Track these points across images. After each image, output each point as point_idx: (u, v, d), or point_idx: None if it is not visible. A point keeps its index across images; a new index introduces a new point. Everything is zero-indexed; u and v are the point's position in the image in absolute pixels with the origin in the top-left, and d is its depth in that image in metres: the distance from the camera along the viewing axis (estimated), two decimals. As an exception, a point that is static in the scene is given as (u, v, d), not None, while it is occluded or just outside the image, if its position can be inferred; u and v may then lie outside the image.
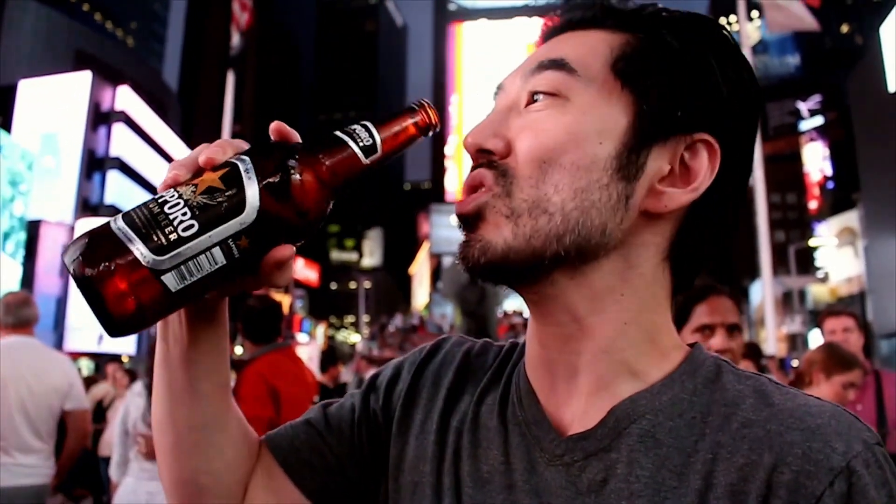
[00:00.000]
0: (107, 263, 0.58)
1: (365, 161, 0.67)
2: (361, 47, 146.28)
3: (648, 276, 0.71)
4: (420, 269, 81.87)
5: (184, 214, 0.60)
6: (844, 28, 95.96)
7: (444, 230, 71.56)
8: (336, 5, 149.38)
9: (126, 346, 35.28)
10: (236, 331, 3.74)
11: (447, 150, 78.09)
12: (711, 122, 0.69)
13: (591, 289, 0.69)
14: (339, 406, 0.87)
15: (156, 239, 0.59)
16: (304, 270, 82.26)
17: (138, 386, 3.29)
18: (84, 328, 33.34)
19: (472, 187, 0.71)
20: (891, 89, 39.74)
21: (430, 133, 0.72)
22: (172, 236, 0.59)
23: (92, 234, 0.60)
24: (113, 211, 37.69)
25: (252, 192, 0.61)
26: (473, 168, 0.72)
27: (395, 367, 0.88)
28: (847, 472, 0.57)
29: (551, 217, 0.66)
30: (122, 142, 39.21)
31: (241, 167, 0.62)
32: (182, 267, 0.59)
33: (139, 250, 0.59)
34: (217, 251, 0.60)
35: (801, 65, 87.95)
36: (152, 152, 43.39)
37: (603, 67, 0.69)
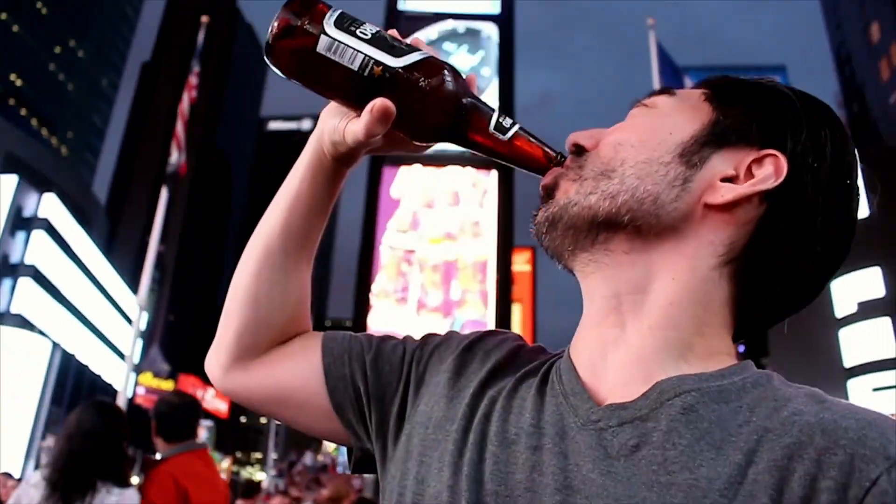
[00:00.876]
0: (304, 6, 0.77)
1: (490, 129, 0.77)
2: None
3: (702, 273, 0.73)
4: (335, 406, 79.94)
5: (370, 30, 0.77)
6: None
7: (362, 369, 70.46)
8: (275, 138, 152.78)
9: (10, 465, 32.83)
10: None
11: (373, 288, 78.48)
12: (785, 145, 0.74)
13: (645, 266, 0.74)
14: (392, 347, 0.94)
15: (343, 22, 0.77)
16: (215, 401, 79.12)
17: (35, 476, 2.99)
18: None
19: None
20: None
21: (550, 167, 0.80)
22: (351, 28, 0.77)
23: None
24: (20, 321, 36.09)
25: (412, 58, 0.76)
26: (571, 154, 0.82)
27: (451, 335, 0.92)
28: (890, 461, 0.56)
29: (611, 180, 0.74)
30: (39, 249, 38.09)
31: (422, 48, 0.80)
32: (337, 42, 0.75)
33: (329, 15, 0.77)
34: (359, 57, 0.75)
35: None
36: (70, 263, 42.19)
37: (699, 97, 0.80)
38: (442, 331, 0.93)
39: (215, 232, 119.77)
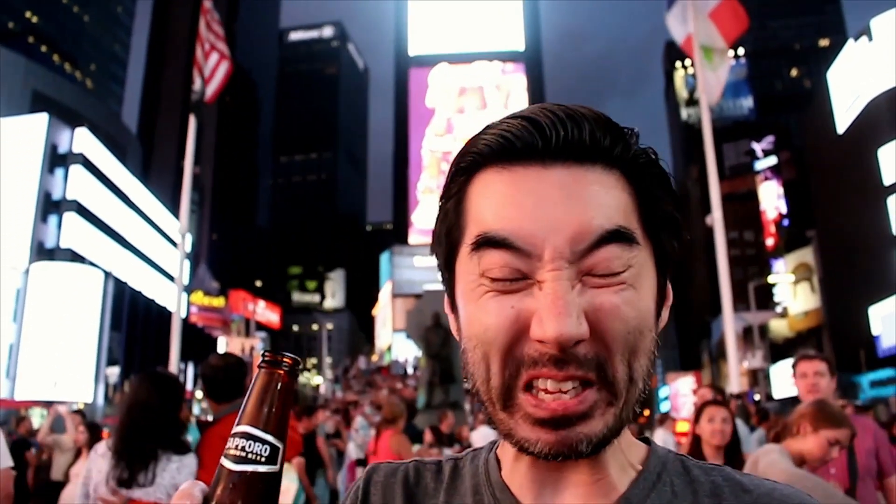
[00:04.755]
0: None
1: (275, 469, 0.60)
2: (323, 90, 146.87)
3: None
4: (383, 311, 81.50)
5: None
6: (794, 72, 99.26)
7: (406, 271, 71.47)
8: (297, 48, 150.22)
9: (82, 393, 34.39)
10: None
11: (419, 186, 79.91)
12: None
13: None
14: None
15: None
16: (266, 312, 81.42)
17: (102, 447, 3.14)
18: (37, 376, 32.44)
19: (569, 377, 0.64)
20: (839, 131, 40.97)
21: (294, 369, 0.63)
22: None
23: None
24: (71, 255, 37.11)
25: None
26: (559, 359, 0.63)
27: None
28: None
29: (636, 384, 0.66)
30: (79, 184, 38.64)
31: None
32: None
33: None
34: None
35: (753, 107, 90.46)
36: (111, 194, 42.83)
37: (638, 225, 0.67)
38: None
39: (247, 147, 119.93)
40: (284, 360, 0.61)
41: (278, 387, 0.60)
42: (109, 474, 2.99)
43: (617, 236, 0.64)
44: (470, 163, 0.69)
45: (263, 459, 0.58)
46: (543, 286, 0.62)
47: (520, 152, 0.66)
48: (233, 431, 0.59)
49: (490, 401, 0.66)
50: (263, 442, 0.58)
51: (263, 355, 0.61)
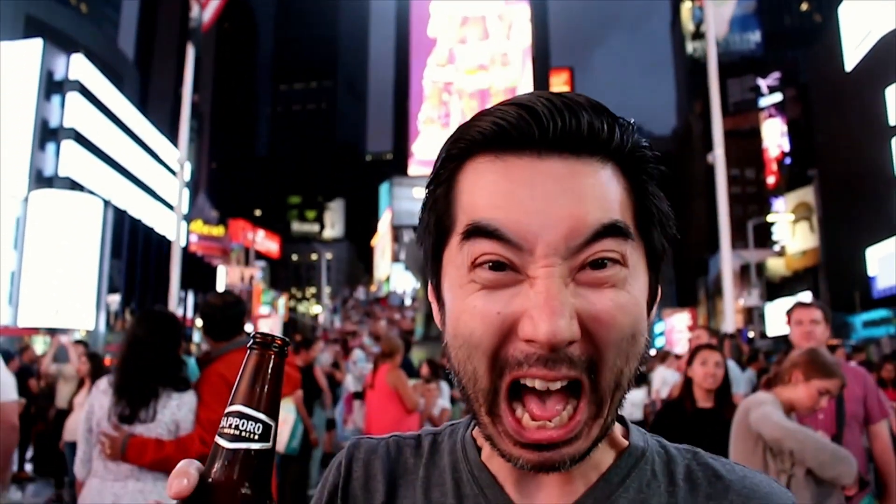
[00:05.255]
0: None
1: (267, 445, 0.62)
2: (323, 18, 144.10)
3: None
4: (382, 242, 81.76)
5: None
6: (804, 6, 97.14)
7: (405, 202, 71.48)
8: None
9: (83, 320, 34.76)
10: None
11: (420, 116, 79.23)
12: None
13: None
14: None
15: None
16: (266, 242, 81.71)
17: (103, 383, 3.20)
18: (39, 303, 32.72)
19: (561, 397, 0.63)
20: (847, 68, 40.36)
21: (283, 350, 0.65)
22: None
23: None
24: (69, 183, 36.99)
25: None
26: (549, 359, 0.61)
27: (325, 498, 0.82)
28: None
29: (621, 387, 0.65)
30: (76, 112, 38.23)
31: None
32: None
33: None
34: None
35: (761, 42, 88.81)
36: (108, 122, 42.44)
37: (631, 222, 0.66)
38: None
39: (246, 75, 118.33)
40: (275, 341, 0.63)
41: (269, 367, 0.62)
42: (111, 410, 3.06)
43: (613, 230, 0.63)
44: (462, 149, 0.67)
45: (256, 437, 0.60)
46: (535, 283, 0.61)
47: (514, 141, 0.64)
48: (226, 411, 0.61)
49: (476, 401, 0.66)
50: (256, 420, 0.60)
51: (254, 337, 0.62)
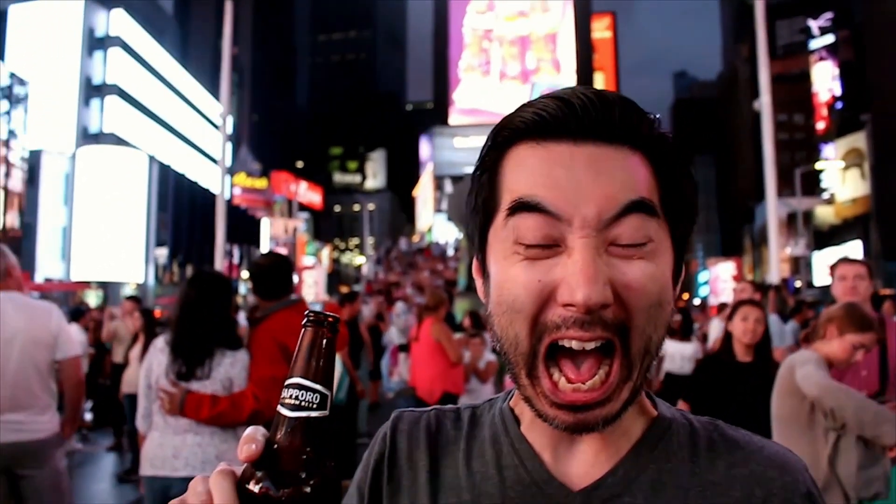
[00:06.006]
0: None
1: (325, 413, 0.67)
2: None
3: None
4: (423, 192, 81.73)
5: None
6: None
7: (447, 152, 71.12)
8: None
9: (133, 273, 35.62)
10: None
11: (460, 64, 78.38)
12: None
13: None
14: None
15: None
16: (308, 193, 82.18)
17: (160, 342, 3.35)
18: (90, 257, 33.56)
19: (597, 360, 0.70)
20: (904, 6, 38.80)
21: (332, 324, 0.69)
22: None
23: None
24: (115, 139, 37.56)
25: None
26: (585, 322, 0.68)
27: (371, 466, 0.86)
28: (809, 494, 0.73)
29: (650, 353, 0.71)
30: (119, 68, 38.59)
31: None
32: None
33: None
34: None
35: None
36: (151, 77, 42.77)
37: (658, 204, 0.72)
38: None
39: (285, 26, 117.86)
40: (328, 318, 0.67)
41: (323, 342, 0.67)
42: (169, 368, 3.22)
43: (640, 206, 0.69)
44: (506, 137, 0.74)
45: (315, 406, 0.65)
46: (573, 253, 0.68)
47: (553, 129, 0.71)
48: (286, 383, 0.66)
49: (517, 364, 0.71)
50: (314, 391, 0.65)
51: (308, 315, 0.67)
